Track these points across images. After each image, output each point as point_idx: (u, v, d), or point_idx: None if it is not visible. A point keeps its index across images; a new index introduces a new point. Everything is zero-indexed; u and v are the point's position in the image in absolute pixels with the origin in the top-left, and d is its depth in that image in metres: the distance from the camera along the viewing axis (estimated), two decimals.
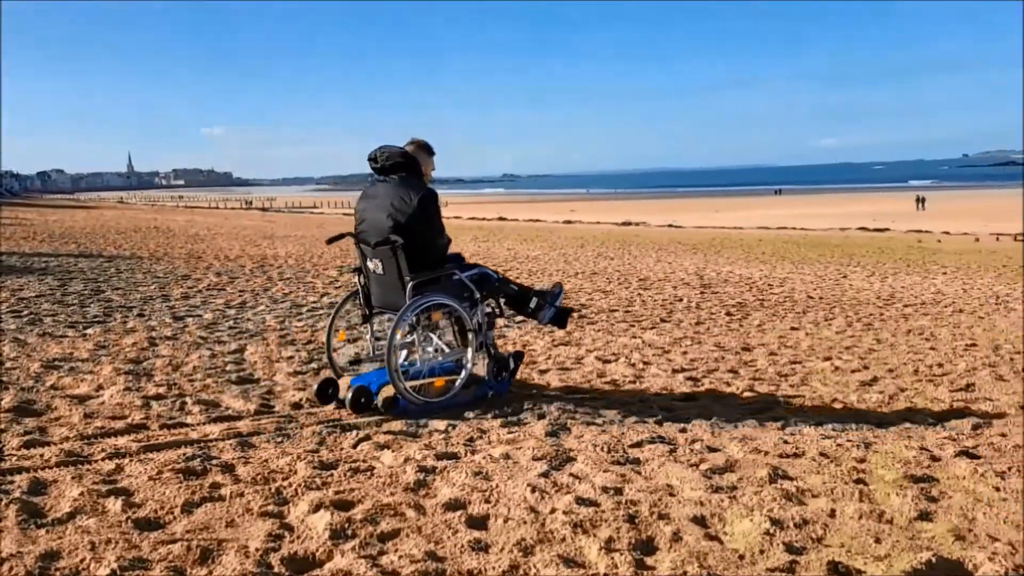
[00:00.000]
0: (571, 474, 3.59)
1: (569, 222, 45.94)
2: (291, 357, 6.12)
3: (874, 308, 10.26)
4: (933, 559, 2.69)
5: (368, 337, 5.09)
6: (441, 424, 4.41)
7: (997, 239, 28.22)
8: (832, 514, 3.14)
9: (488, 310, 5.06)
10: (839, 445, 4.10)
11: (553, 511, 3.13)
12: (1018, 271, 15.73)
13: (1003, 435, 4.38)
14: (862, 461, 3.82)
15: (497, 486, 3.41)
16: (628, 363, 6.41)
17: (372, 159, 4.82)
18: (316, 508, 3.10)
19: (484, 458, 3.81)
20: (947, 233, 31.50)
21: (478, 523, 3.04)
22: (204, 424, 4.34)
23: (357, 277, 5.00)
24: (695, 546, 2.82)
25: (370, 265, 4.83)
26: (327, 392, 4.80)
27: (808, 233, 33.27)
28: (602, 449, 3.95)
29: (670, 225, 41.74)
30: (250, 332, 7.18)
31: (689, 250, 21.34)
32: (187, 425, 4.32)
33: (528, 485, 3.39)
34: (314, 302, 9.25)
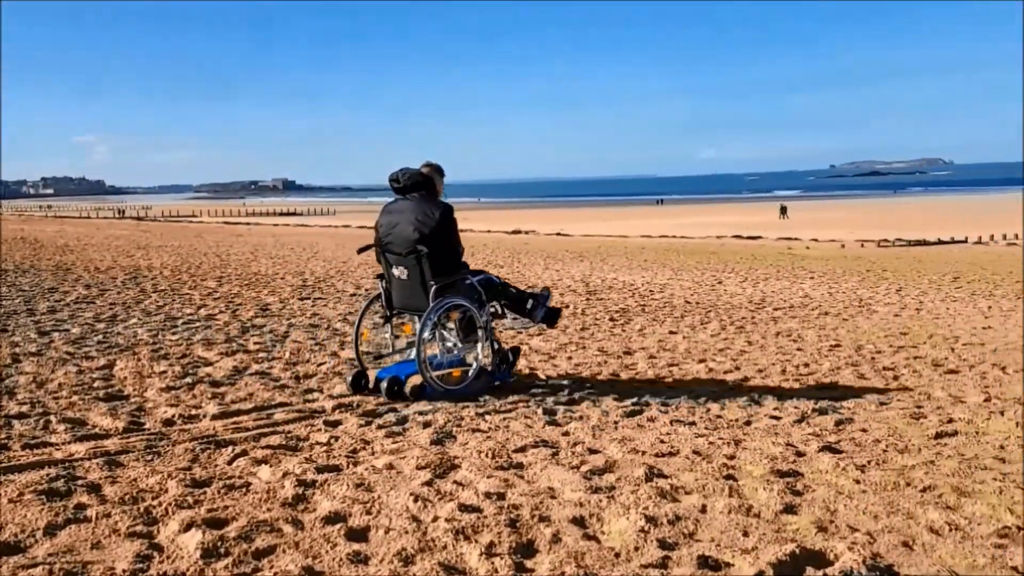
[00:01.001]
0: (455, 481, 3.60)
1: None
2: (164, 372, 5.88)
3: (746, 312, 10.72)
4: (797, 550, 2.83)
5: (388, 335, 5.70)
6: (323, 436, 4.35)
7: (862, 245, 29.97)
8: (703, 510, 3.27)
9: (491, 311, 5.67)
10: (711, 443, 4.27)
11: (435, 519, 3.13)
12: (880, 275, 16.73)
13: (864, 431, 4.65)
14: (732, 458, 3.99)
15: (379, 497, 3.38)
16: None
17: (394, 179, 5.43)
18: (187, 527, 3.00)
19: (367, 469, 3.78)
20: (815, 240, 33.19)
21: (358, 535, 3.01)
22: (69, 443, 4.12)
23: (380, 282, 5.63)
24: (574, 546, 2.88)
25: (395, 272, 5.45)
26: (360, 383, 5.40)
27: (687, 241, 34.39)
28: (486, 455, 3.98)
29: (558, 234, 42.35)
30: (120, 347, 6.86)
31: (576, 258, 21.71)
32: (51, 444, 4.10)
33: (411, 494, 3.38)
34: (190, 314, 8.91)
